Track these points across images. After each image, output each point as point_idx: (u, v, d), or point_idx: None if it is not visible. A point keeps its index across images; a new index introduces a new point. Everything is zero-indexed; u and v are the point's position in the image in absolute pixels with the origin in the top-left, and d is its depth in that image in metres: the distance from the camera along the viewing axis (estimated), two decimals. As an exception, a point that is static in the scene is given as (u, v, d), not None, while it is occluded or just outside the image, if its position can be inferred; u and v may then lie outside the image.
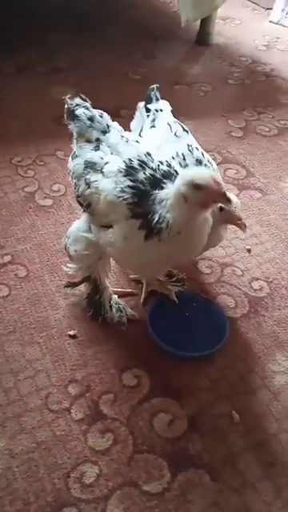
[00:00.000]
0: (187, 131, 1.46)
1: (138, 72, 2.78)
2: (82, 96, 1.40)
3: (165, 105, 1.56)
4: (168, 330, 1.48)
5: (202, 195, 1.13)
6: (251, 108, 2.58)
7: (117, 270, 1.65)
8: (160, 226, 1.18)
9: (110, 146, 1.31)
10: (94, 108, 1.39)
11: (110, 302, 1.53)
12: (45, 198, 1.95)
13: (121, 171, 1.24)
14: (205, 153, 1.41)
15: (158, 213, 1.18)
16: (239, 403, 1.37)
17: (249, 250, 1.81)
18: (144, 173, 1.23)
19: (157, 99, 1.57)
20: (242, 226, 1.39)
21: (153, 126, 1.45)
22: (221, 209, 1.34)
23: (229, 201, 1.20)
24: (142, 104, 1.58)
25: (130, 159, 1.25)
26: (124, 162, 1.25)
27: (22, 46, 2.88)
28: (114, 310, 1.53)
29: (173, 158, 1.34)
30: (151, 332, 1.47)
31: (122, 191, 1.22)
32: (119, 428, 1.29)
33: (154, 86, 1.58)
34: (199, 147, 1.42)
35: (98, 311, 1.52)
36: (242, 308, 1.61)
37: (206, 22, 3.05)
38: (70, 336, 1.48)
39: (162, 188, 1.21)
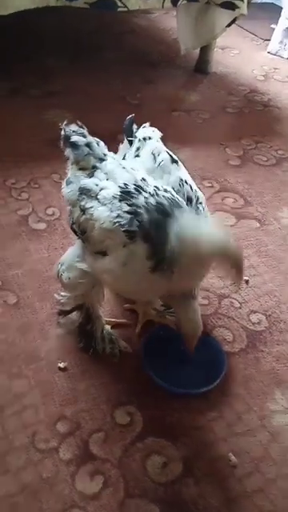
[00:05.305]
0: (177, 162, 1.36)
1: (135, 97, 2.76)
2: (79, 123, 1.37)
3: (154, 132, 1.47)
4: (163, 365, 1.41)
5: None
6: (249, 137, 2.56)
7: (111, 299, 1.59)
8: (172, 256, 1.12)
9: (106, 172, 1.28)
10: (90, 132, 1.35)
11: (102, 332, 1.46)
12: (38, 221, 1.89)
13: (115, 197, 1.20)
14: (194, 186, 1.32)
15: (171, 243, 1.12)
16: (236, 445, 1.30)
17: (247, 281, 1.76)
18: (145, 197, 1.17)
19: (136, 129, 1.48)
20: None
21: (137, 156, 1.38)
22: None
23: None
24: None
25: (125, 184, 1.21)
26: (119, 187, 1.21)
27: (17, 69, 2.85)
28: (106, 340, 1.46)
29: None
30: (145, 367, 1.41)
31: (119, 216, 1.18)
32: (110, 470, 1.21)
33: (130, 116, 1.50)
34: (190, 181, 1.33)
35: (89, 342, 1.46)
36: (240, 342, 1.55)
37: (205, 51, 3.06)
38: (60, 369, 1.40)
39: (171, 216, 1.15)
